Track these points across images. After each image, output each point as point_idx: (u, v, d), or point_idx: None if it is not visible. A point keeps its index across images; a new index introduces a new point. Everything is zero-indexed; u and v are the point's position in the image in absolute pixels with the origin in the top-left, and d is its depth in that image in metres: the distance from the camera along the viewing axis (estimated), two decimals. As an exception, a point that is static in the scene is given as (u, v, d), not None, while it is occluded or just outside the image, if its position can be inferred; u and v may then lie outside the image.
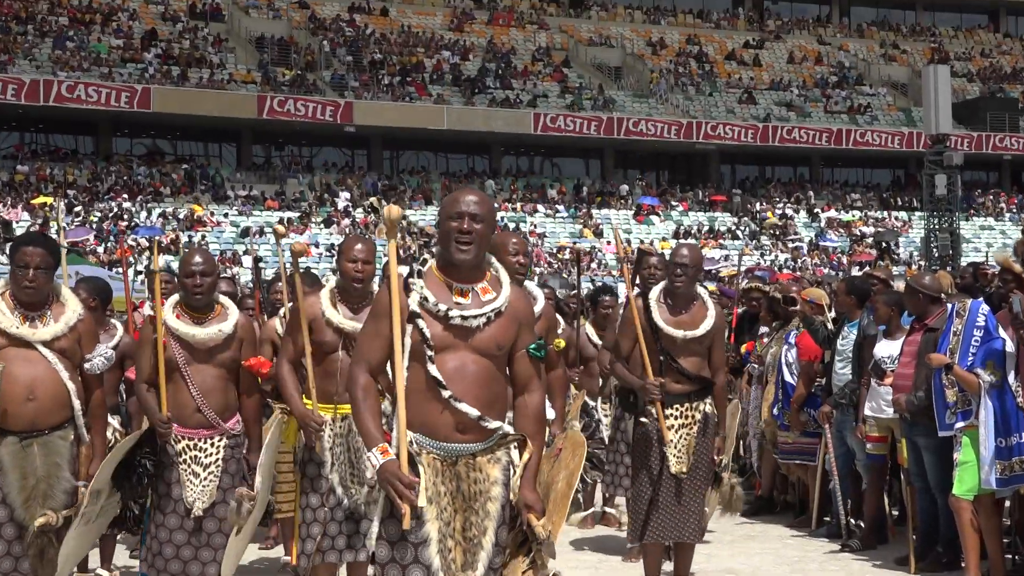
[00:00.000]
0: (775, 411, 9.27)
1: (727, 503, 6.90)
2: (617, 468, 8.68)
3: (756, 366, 9.64)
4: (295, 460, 5.93)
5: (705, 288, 6.78)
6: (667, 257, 7.25)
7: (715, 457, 6.59)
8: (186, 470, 5.67)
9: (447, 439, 3.97)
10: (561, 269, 37.11)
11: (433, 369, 3.93)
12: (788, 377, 9.09)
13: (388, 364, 4.03)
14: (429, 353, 3.95)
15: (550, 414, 5.85)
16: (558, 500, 4.29)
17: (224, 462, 5.75)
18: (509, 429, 4.07)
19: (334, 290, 5.84)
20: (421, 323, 3.95)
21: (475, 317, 4.00)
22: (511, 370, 4.15)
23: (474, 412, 3.95)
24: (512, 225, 41.13)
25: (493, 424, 4.00)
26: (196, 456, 5.69)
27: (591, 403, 9.10)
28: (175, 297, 5.78)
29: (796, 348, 9.03)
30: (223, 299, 5.85)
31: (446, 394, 3.92)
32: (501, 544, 4.02)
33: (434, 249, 4.17)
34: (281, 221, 38.75)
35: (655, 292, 6.58)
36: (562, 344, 6.26)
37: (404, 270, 4.06)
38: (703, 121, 47.51)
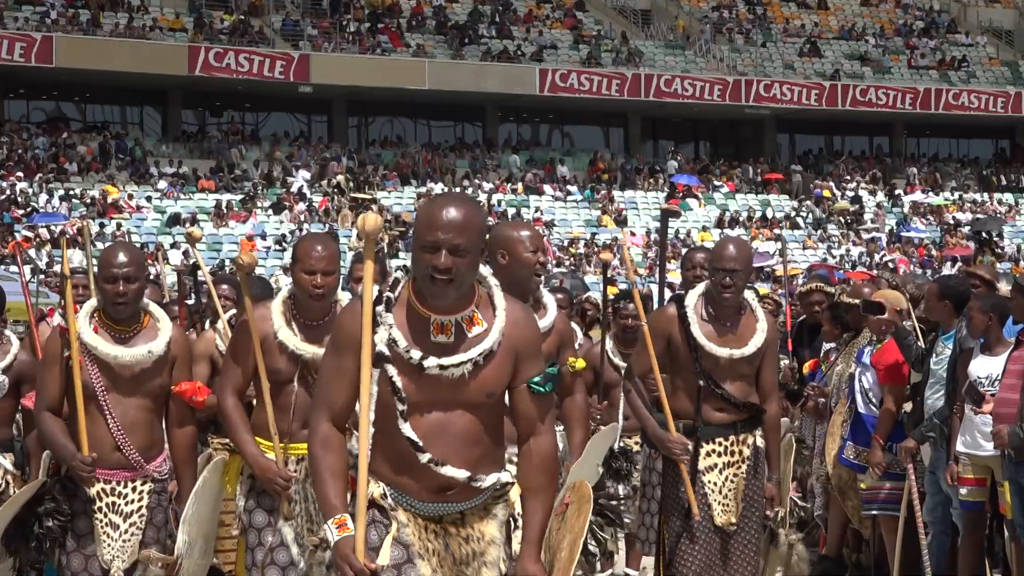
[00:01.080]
0: (847, 452, 9.25)
1: (786, 565, 6.88)
2: (644, 519, 8.68)
3: (817, 397, 9.61)
4: (237, 511, 5.96)
5: (755, 292, 6.79)
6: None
7: (768, 508, 6.60)
8: (102, 521, 5.68)
9: (428, 499, 4.04)
10: (576, 267, 37.11)
11: (407, 428, 3.96)
12: (862, 407, 9.09)
13: (355, 408, 4.06)
14: (401, 408, 3.97)
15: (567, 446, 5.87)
16: (562, 569, 4.35)
17: (149, 511, 5.76)
18: (507, 477, 4.12)
19: (288, 301, 5.83)
20: (391, 369, 3.96)
21: (457, 365, 3.99)
22: (512, 408, 4.14)
23: (463, 475, 3.99)
24: (511, 213, 41.20)
25: (487, 482, 4.05)
26: (114, 504, 5.70)
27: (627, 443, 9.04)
28: (91, 304, 5.77)
29: (873, 370, 9.01)
30: (153, 308, 5.85)
31: (424, 459, 3.96)
32: None
33: (409, 265, 4.11)
34: (220, 207, 38.83)
35: (692, 297, 6.57)
36: (581, 364, 6.25)
37: (371, 294, 4.05)
38: (754, 79, 47.51)
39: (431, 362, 3.97)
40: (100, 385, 5.64)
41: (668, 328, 6.53)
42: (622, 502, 5.67)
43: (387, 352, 3.96)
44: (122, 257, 5.66)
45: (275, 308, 5.79)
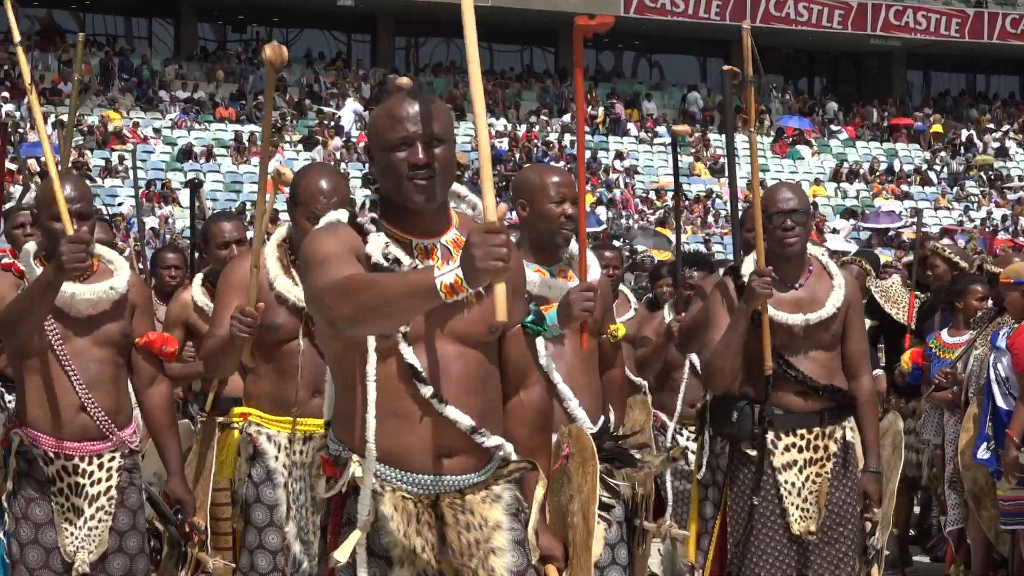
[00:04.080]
0: (982, 452, 9.20)
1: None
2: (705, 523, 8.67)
3: (951, 384, 9.58)
4: (235, 501, 5.97)
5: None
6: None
7: (866, 514, 6.55)
8: (63, 506, 5.69)
9: (423, 468, 4.04)
10: (662, 221, 37.02)
11: (408, 353, 4.00)
12: (1000, 401, 9.06)
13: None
14: (403, 328, 3.98)
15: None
16: (578, 547, 4.36)
17: (120, 492, 5.76)
18: (511, 453, 4.16)
19: (284, 245, 5.85)
20: None
21: None
22: (502, 356, 4.23)
23: (467, 421, 4.03)
24: (588, 156, 41.17)
25: (491, 440, 4.08)
26: (77, 485, 5.70)
27: (670, 424, 9.09)
28: (32, 246, 5.82)
29: (1009, 355, 8.94)
30: (102, 249, 5.89)
31: (426, 392, 3.98)
32: None
33: (373, 195, 4.20)
34: (240, 139, 38.97)
35: (749, 264, 6.55)
36: (622, 332, 6.29)
37: (342, 215, 4.14)
38: (882, 3, 47.41)
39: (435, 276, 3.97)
40: (55, 334, 5.65)
41: (729, 304, 6.54)
42: (627, 438, 5.76)
43: (384, 263, 4.03)
44: (70, 191, 5.69)
45: (269, 253, 5.80)
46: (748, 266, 6.52)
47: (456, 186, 4.24)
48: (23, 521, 5.70)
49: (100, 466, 5.72)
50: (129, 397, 5.86)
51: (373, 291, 3.79)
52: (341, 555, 3.95)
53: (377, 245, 4.04)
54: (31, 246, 5.83)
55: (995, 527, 9.45)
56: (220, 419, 6.14)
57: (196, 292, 7.11)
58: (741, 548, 6.54)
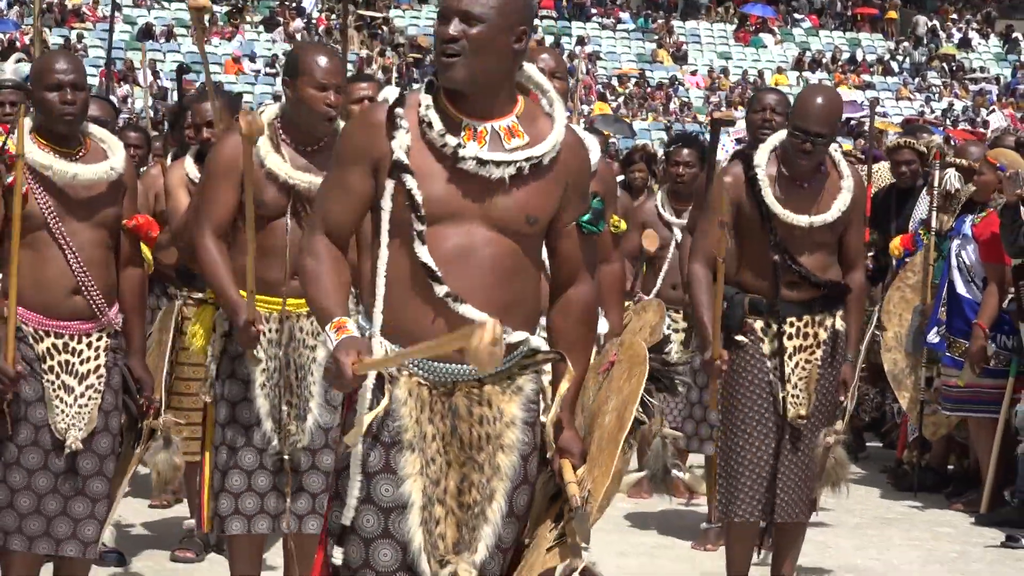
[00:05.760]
0: (932, 336, 9.30)
1: (821, 469, 6.69)
2: (693, 411, 8.75)
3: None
4: (207, 376, 5.99)
5: (839, 145, 6.75)
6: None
7: (841, 393, 6.63)
8: (53, 383, 5.67)
9: (440, 359, 3.99)
10: (624, 108, 37.02)
11: (423, 252, 3.93)
12: (961, 287, 9.14)
13: (359, 234, 4.16)
14: (418, 227, 3.94)
15: (602, 327, 5.80)
16: (604, 442, 4.17)
17: (107, 371, 5.76)
18: (539, 343, 4.08)
19: (276, 123, 5.82)
20: (409, 180, 3.94)
21: (499, 164, 3.96)
22: (551, 253, 4.14)
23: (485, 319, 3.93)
24: (549, 41, 40.95)
25: (515, 336, 3.99)
26: (68, 363, 5.69)
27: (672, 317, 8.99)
28: (26, 123, 5.69)
29: (976, 243, 9.03)
30: (95, 129, 5.83)
31: (440, 291, 3.93)
32: (517, 514, 4.06)
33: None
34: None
35: (762, 154, 6.53)
36: (623, 226, 6.25)
37: (392, 93, 4.04)
38: None
39: (469, 151, 3.93)
40: (52, 214, 5.61)
41: (734, 193, 6.51)
42: (678, 367, 5.60)
43: (404, 159, 3.95)
44: (64, 63, 5.66)
45: None
46: (761, 156, 6.49)
47: (535, 74, 4.12)
48: (11, 403, 5.61)
49: (89, 345, 5.71)
50: (116, 280, 5.81)
51: (307, 286, 4.03)
52: (351, 439, 3.95)
53: (401, 143, 3.95)
54: (26, 123, 5.68)
55: (915, 411, 9.60)
56: (199, 295, 6.14)
57: (190, 168, 7.01)
58: (730, 432, 6.61)
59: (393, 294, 3.98)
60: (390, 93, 4.05)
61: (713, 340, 6.46)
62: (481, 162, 3.94)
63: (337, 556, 4.03)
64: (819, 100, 6.35)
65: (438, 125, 3.95)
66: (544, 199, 4.02)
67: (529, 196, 3.99)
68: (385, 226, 3.98)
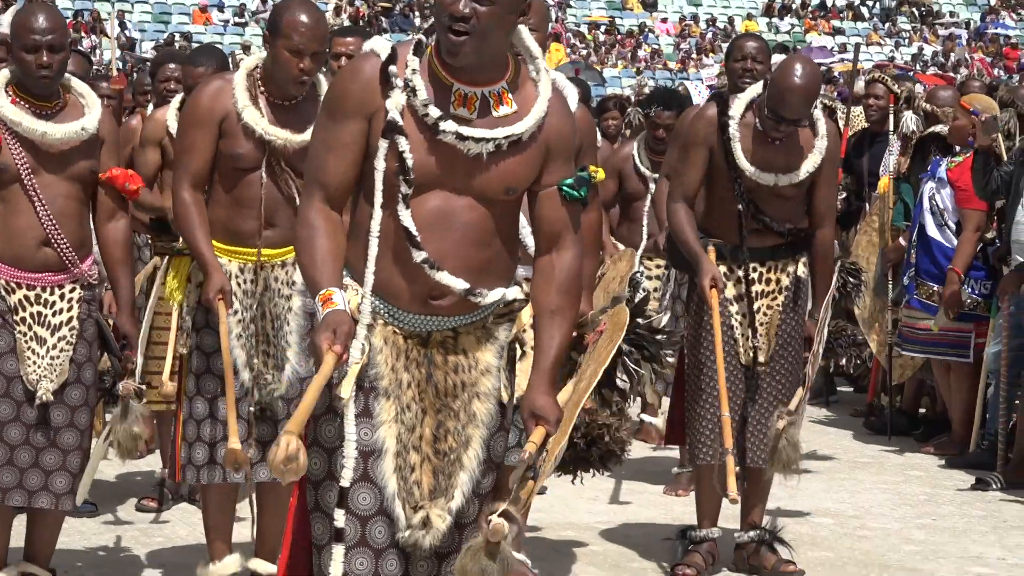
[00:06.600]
0: (904, 280, 9.34)
1: (772, 451, 6.49)
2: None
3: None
4: (182, 326, 6.00)
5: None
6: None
7: (805, 349, 6.60)
8: (25, 335, 5.68)
9: (414, 308, 4.03)
10: (592, 56, 36.93)
11: (406, 216, 3.95)
12: (933, 230, 9.17)
13: (353, 193, 4.06)
14: (404, 191, 3.95)
15: None
16: (570, 406, 4.26)
17: (80, 323, 5.76)
18: (514, 294, 4.11)
19: (254, 74, 5.80)
20: (402, 142, 3.94)
21: (477, 141, 3.95)
22: (533, 216, 4.13)
23: (460, 285, 3.98)
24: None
25: (489, 298, 4.03)
26: (39, 314, 5.70)
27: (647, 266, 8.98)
28: (3, 74, 5.70)
29: (952, 187, 9.04)
30: (75, 83, 5.80)
31: (418, 257, 3.95)
32: (495, 460, 4.11)
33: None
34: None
35: (739, 105, 6.52)
36: (601, 175, 6.08)
37: (383, 47, 4.01)
38: None
39: (449, 125, 3.92)
40: (25, 166, 5.60)
41: (707, 135, 6.53)
42: (666, 335, 5.56)
43: (399, 119, 3.94)
44: (43, 22, 5.57)
45: (238, 82, 5.75)
46: (738, 107, 6.48)
47: (527, 37, 4.07)
48: None
49: (61, 296, 5.71)
50: (91, 233, 5.81)
51: (299, 255, 4.04)
52: (344, 391, 3.91)
53: (396, 103, 3.93)
54: (2, 74, 5.69)
55: (883, 352, 9.64)
56: (175, 244, 6.13)
57: (171, 120, 6.99)
58: (695, 374, 6.64)
59: (380, 256, 3.99)
60: (378, 45, 4.01)
61: (708, 257, 6.45)
62: (461, 137, 3.94)
63: (313, 500, 4.05)
64: (796, 85, 6.26)
65: (422, 94, 3.93)
66: (522, 169, 4.03)
67: (508, 167, 4.00)
68: (379, 186, 3.96)
